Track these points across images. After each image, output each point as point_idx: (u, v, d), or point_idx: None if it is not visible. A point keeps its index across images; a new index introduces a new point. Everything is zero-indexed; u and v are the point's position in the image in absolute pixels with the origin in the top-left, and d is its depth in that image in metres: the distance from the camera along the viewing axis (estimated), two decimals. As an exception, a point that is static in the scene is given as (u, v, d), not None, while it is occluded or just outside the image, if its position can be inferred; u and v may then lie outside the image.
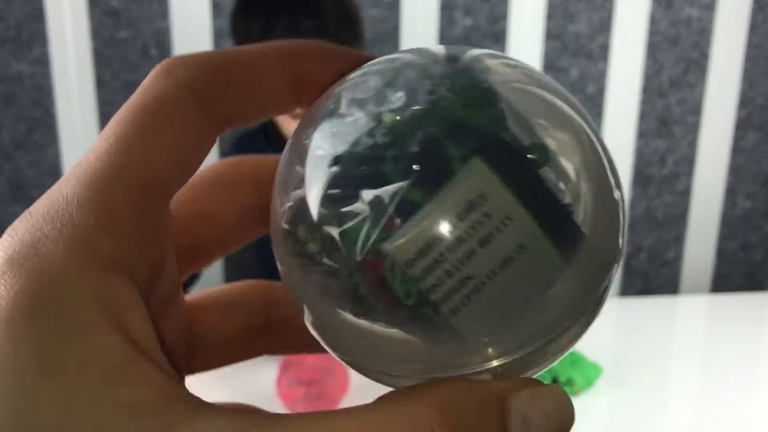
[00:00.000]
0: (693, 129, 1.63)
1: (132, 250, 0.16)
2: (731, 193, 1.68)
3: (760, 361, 1.20)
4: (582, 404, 1.02)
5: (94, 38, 1.47)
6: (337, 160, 0.17)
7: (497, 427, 0.16)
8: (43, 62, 1.46)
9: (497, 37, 1.54)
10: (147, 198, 0.17)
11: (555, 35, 1.56)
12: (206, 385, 1.03)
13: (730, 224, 1.70)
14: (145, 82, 0.19)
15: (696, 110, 1.62)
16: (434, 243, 0.16)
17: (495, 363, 0.17)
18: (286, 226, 0.18)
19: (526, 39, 1.55)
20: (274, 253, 0.19)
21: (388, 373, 0.18)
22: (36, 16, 1.44)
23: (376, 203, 0.16)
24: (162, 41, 1.48)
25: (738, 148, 1.65)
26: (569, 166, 0.17)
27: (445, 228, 0.16)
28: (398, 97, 0.17)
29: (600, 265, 0.18)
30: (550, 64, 1.56)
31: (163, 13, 1.47)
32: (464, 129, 0.17)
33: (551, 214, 0.17)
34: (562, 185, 0.17)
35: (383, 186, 0.16)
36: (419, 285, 0.16)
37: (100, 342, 0.15)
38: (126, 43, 1.48)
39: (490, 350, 0.17)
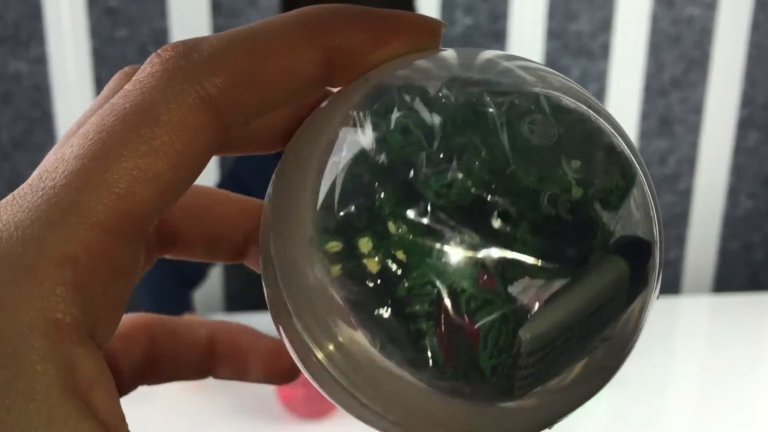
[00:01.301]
0: (694, 128, 1.63)
1: (99, 312, 0.14)
2: (733, 192, 1.67)
3: (762, 362, 1.20)
4: (583, 405, 1.01)
5: (92, 37, 1.46)
6: (500, 212, 0.15)
7: None
8: (41, 61, 1.46)
9: (498, 37, 1.54)
10: (121, 240, 0.14)
11: (556, 34, 1.55)
12: (205, 387, 1.03)
13: (732, 224, 1.69)
14: (140, 76, 0.15)
15: (697, 110, 1.62)
16: (558, 339, 0.15)
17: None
18: (326, 223, 0.15)
19: (526, 38, 1.54)
20: (271, 243, 0.16)
21: (382, 415, 0.16)
22: (34, 15, 1.43)
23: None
24: (161, 40, 1.47)
25: (740, 148, 1.65)
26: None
27: (573, 326, 0.15)
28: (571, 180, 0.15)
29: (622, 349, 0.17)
30: (551, 64, 1.56)
31: (162, 12, 1.46)
32: (615, 222, 0.16)
33: (631, 313, 0.16)
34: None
35: (516, 246, 0.14)
36: (519, 371, 0.15)
37: (68, 430, 0.12)
38: (125, 42, 1.47)
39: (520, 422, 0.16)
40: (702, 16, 1.57)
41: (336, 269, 0.15)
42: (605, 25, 1.56)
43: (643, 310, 0.17)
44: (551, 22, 1.55)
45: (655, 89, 1.60)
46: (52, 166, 0.14)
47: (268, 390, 0.98)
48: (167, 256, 0.21)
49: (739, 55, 1.59)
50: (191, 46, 0.15)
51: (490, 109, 0.16)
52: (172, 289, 1.10)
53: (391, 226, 0.15)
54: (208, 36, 0.16)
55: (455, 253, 0.14)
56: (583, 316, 0.15)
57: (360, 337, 0.15)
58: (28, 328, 0.13)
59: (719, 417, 1.03)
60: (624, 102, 1.60)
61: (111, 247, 0.14)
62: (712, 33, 1.58)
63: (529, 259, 0.15)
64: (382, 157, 0.15)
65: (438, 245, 0.14)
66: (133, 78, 0.15)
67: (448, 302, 0.14)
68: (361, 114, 0.16)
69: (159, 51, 0.15)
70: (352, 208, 0.15)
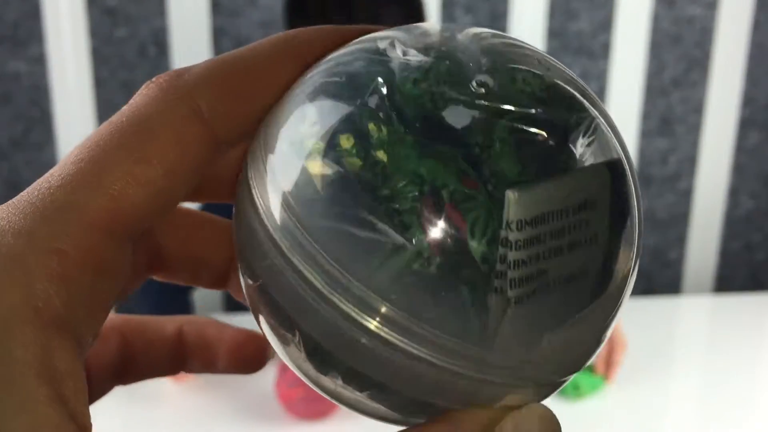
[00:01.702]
0: (695, 128, 1.62)
1: (82, 307, 0.14)
2: (734, 192, 1.67)
3: (763, 362, 1.20)
4: (584, 405, 1.01)
5: (91, 37, 1.46)
6: (482, 84, 0.15)
7: None
8: (40, 61, 1.45)
9: (498, 36, 1.54)
10: (111, 239, 0.15)
11: (556, 33, 1.55)
12: (205, 387, 1.03)
13: (733, 224, 1.69)
14: (136, 98, 0.16)
15: (698, 109, 1.61)
16: (546, 219, 0.15)
17: (498, 376, 0.16)
18: (311, 126, 0.16)
19: (526, 37, 1.54)
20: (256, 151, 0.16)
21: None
22: (33, 14, 1.43)
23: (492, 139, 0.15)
24: (160, 40, 1.47)
25: (741, 148, 1.64)
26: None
27: (559, 215, 0.15)
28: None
29: (612, 303, 0.17)
30: (551, 63, 1.55)
31: (161, 11, 1.46)
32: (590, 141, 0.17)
33: (617, 247, 0.17)
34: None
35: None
36: (512, 253, 0.15)
37: (38, 415, 0.13)
38: (124, 42, 1.47)
39: (502, 365, 0.16)
40: (703, 15, 1.56)
41: (316, 166, 0.15)
42: (606, 25, 1.55)
43: (630, 255, 0.17)
44: (551, 21, 1.54)
45: (655, 89, 1.59)
46: (50, 172, 0.15)
47: (267, 390, 0.98)
48: (155, 278, 0.21)
49: (739, 55, 1.59)
50: (183, 69, 0.16)
51: (459, 35, 0.17)
52: (172, 292, 1.10)
53: (372, 128, 0.15)
54: (198, 63, 0.17)
55: (436, 154, 0.15)
56: (567, 205, 0.15)
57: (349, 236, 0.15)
58: (10, 314, 0.13)
59: (720, 417, 1.02)
60: (624, 102, 1.59)
61: (100, 245, 0.15)
62: (712, 32, 1.57)
63: (510, 163, 0.15)
64: (359, 72, 0.16)
65: (419, 145, 0.15)
66: (130, 100, 0.16)
67: (432, 196, 0.15)
68: (336, 56, 0.17)
69: (153, 78, 0.16)
70: (331, 115, 0.16)
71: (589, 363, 0.18)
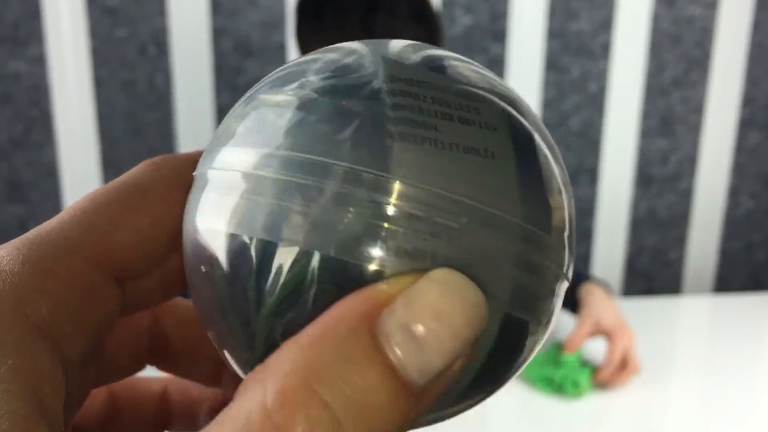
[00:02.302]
0: (695, 128, 1.62)
1: (67, 324, 0.15)
2: (734, 192, 1.67)
3: (763, 362, 1.20)
4: (584, 404, 1.01)
5: (91, 36, 1.46)
6: None
7: (374, 367, 0.12)
8: (40, 61, 1.45)
9: (498, 36, 1.54)
10: (98, 271, 0.16)
11: (556, 33, 1.55)
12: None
13: (733, 224, 1.69)
14: (132, 170, 0.18)
15: (698, 109, 1.61)
16: (422, 84, 0.17)
17: (392, 204, 0.15)
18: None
19: (527, 37, 1.54)
20: None
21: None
22: (33, 14, 1.43)
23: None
24: (160, 40, 1.47)
25: (741, 148, 1.64)
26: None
27: (437, 85, 0.17)
28: None
29: (554, 240, 0.17)
30: (551, 63, 1.55)
31: (161, 11, 1.46)
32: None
33: (529, 155, 0.17)
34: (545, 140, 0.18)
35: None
36: (387, 100, 0.16)
37: (10, 407, 0.13)
38: (124, 42, 1.47)
39: (400, 188, 0.15)
40: (703, 15, 1.56)
41: (240, 114, 0.18)
42: (606, 25, 1.55)
43: (561, 197, 0.18)
44: (551, 21, 1.54)
45: (655, 89, 1.59)
46: (49, 220, 0.17)
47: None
48: (155, 368, 0.23)
49: (739, 55, 1.59)
50: (177, 154, 0.19)
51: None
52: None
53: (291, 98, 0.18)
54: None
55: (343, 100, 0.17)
56: (445, 85, 0.17)
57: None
58: (0, 316, 0.14)
59: (720, 417, 1.02)
60: (625, 102, 1.59)
61: (89, 272, 0.16)
62: (712, 32, 1.57)
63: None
64: (285, 74, 0.18)
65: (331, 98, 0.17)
66: (126, 172, 0.18)
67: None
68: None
69: (150, 159, 0.19)
70: (260, 97, 0.18)
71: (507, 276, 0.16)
